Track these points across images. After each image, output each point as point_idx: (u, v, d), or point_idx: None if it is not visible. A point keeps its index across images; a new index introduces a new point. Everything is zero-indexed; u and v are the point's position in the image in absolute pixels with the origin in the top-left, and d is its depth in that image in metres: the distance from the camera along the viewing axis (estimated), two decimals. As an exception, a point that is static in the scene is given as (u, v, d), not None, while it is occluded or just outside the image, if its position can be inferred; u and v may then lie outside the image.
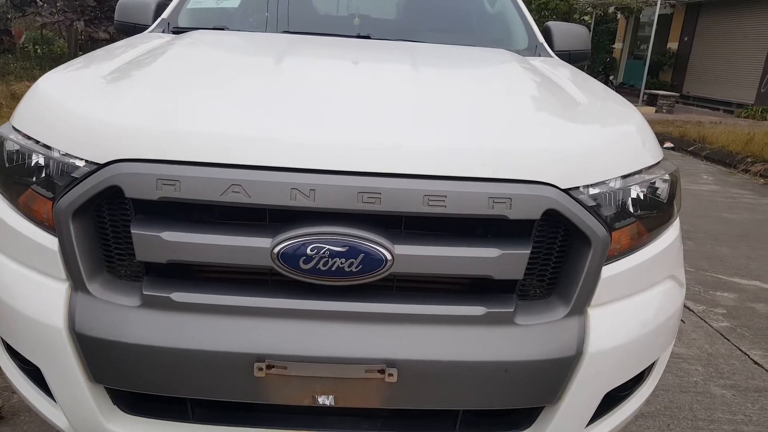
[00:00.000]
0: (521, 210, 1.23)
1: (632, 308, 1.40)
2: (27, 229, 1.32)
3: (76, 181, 1.22)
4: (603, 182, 1.35)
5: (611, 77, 20.00)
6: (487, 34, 2.68)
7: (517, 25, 2.65)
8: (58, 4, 10.05)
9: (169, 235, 1.20)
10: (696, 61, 18.16)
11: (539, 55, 2.46)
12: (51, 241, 1.27)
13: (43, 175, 1.28)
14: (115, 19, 2.60)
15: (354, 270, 1.20)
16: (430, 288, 1.32)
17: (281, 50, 1.72)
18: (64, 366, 1.26)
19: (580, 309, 1.31)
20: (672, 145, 9.95)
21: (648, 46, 16.07)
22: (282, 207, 1.19)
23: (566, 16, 19.15)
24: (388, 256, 1.20)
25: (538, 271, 1.33)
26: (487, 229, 1.30)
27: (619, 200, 1.37)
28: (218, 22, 2.39)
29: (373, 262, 1.20)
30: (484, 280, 1.27)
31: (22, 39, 10.82)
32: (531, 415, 1.37)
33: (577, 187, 1.30)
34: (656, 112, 14.64)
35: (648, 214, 1.44)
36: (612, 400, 1.49)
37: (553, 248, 1.32)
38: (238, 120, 1.25)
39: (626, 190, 1.39)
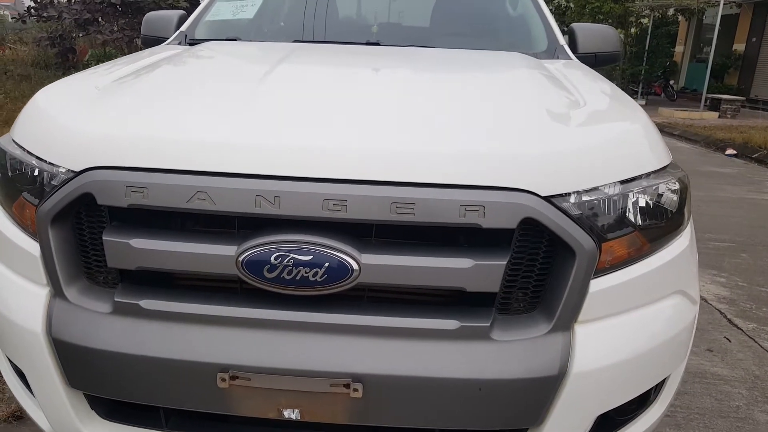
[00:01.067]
0: (495, 219, 1.16)
1: (628, 325, 1.30)
2: (16, 235, 1.35)
3: (55, 189, 1.25)
4: (595, 189, 1.26)
5: (671, 82, 19.17)
6: (505, 37, 2.60)
7: (537, 28, 2.56)
8: (119, 22, 10.58)
9: (138, 243, 1.20)
10: (766, 63, 17.17)
11: (558, 58, 2.36)
12: (34, 247, 1.30)
13: (31, 183, 1.32)
14: (142, 33, 2.69)
15: (319, 279, 1.16)
16: (405, 300, 1.27)
17: (275, 59, 1.72)
18: (43, 370, 1.28)
19: (564, 325, 1.22)
20: (734, 152, 9.42)
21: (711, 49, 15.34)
22: (246, 214, 1.17)
23: (622, 20, 18.52)
24: (355, 266, 1.16)
25: (519, 283, 1.25)
26: (462, 239, 1.24)
27: (614, 208, 1.28)
28: (233, 33, 2.42)
29: (338, 271, 1.16)
30: (461, 293, 1.21)
31: (87, 56, 11.45)
32: (514, 437, 1.29)
33: (563, 194, 1.22)
34: (719, 117, 13.93)
35: (650, 224, 1.34)
36: (611, 423, 1.38)
37: (536, 259, 1.24)
38: (203, 126, 1.24)
39: (624, 197, 1.29)
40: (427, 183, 1.17)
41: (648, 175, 1.36)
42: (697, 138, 10.91)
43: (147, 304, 1.22)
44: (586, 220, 1.23)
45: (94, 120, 1.29)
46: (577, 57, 2.54)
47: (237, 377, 1.18)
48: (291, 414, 1.21)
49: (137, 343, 1.21)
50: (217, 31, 2.49)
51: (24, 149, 1.36)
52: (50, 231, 1.25)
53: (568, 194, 1.23)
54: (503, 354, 1.19)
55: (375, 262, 1.17)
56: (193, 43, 2.36)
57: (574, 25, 2.70)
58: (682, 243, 1.43)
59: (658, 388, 1.45)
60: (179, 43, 2.40)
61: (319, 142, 1.20)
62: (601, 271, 1.26)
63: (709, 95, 15.16)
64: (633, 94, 19.15)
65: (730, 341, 3.08)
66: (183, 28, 2.50)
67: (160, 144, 1.21)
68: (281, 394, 1.19)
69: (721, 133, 10.88)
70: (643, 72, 18.79)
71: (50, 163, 1.29)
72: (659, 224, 1.36)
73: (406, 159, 1.18)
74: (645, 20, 20.06)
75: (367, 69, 1.73)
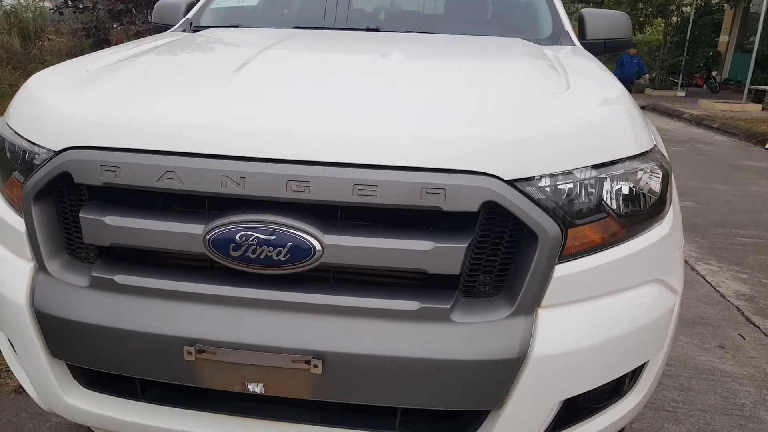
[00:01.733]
0: (456, 202, 1.17)
1: (596, 311, 1.29)
2: (7, 213, 1.42)
3: (38, 168, 1.31)
4: (565, 173, 1.25)
5: (714, 73, 18.53)
6: (509, 23, 2.58)
7: (543, 14, 2.53)
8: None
9: (112, 220, 1.25)
10: (815, 54, 16.42)
11: (561, 44, 2.33)
12: (21, 224, 1.36)
13: (20, 163, 1.38)
14: (152, 21, 2.75)
15: (282, 259, 1.19)
16: (371, 281, 1.28)
17: (264, 45, 1.75)
18: (28, 341, 1.35)
19: (527, 309, 1.22)
20: (774, 145, 9.09)
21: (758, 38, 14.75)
22: (213, 194, 1.21)
23: (662, 8, 17.96)
24: (317, 246, 1.18)
25: (484, 266, 1.25)
26: (426, 221, 1.25)
27: (586, 193, 1.27)
28: (236, 20, 2.46)
29: (300, 251, 1.19)
30: (426, 275, 1.23)
31: (123, 46, 11.73)
32: (476, 419, 1.29)
33: (528, 178, 1.22)
34: (763, 109, 13.41)
35: (625, 210, 1.32)
36: (582, 410, 1.38)
37: (501, 243, 1.24)
38: (172, 108, 1.28)
39: (598, 182, 1.28)
40: (389, 165, 1.18)
41: (626, 160, 1.34)
42: (736, 131, 10.56)
43: (121, 279, 1.27)
44: (552, 204, 1.22)
45: (74, 102, 1.35)
46: (586, 43, 2.50)
47: (203, 351, 1.22)
48: (255, 388, 1.24)
49: (111, 316, 1.26)
50: (222, 18, 2.53)
51: (14, 131, 1.43)
52: (33, 208, 1.31)
53: (534, 178, 1.22)
54: (462, 336, 1.20)
55: (338, 243, 1.19)
56: (197, 29, 2.41)
57: (584, 11, 2.66)
58: (661, 230, 1.41)
59: (634, 377, 1.44)
60: (183, 30, 2.45)
61: (283, 124, 1.22)
62: (568, 256, 1.25)
63: (753, 87, 14.61)
64: (672, 85, 18.62)
65: (744, 338, 2.99)
66: (189, 15, 2.55)
67: (131, 125, 1.25)
68: (246, 368, 1.23)
69: (763, 126, 10.50)
70: (683, 62, 18.22)
71: (35, 144, 1.35)
72: (636, 210, 1.34)
73: (367, 141, 1.19)
74: (687, 8, 19.42)
75: (350, 54, 1.74)
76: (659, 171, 1.38)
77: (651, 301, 1.38)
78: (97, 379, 1.40)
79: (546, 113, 1.32)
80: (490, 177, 1.18)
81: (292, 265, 1.20)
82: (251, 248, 1.19)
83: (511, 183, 1.20)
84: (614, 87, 1.56)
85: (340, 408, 1.33)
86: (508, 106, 1.33)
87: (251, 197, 1.20)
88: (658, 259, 1.40)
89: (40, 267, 1.34)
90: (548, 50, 2.07)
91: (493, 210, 1.21)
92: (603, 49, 2.63)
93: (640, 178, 1.35)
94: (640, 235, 1.36)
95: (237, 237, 1.19)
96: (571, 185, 1.26)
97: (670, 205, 1.45)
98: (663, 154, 1.47)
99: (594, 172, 1.28)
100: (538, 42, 2.26)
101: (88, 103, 1.33)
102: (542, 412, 1.27)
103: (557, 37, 2.39)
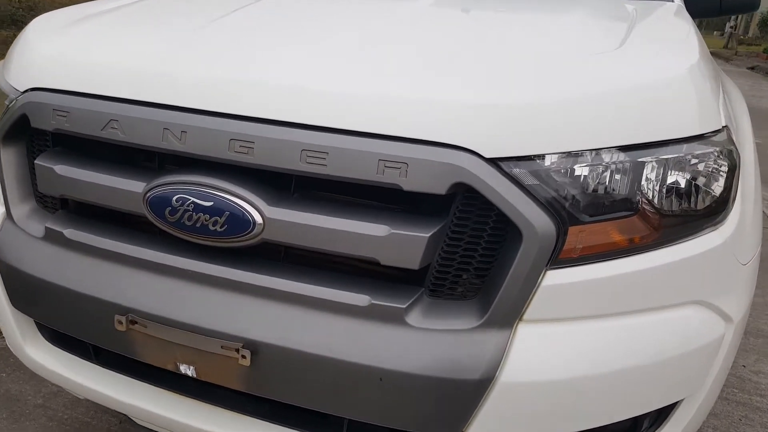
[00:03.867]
0: (420, 180, 0.94)
1: (603, 334, 1.01)
2: None
3: (6, 109, 1.25)
4: (576, 153, 0.97)
5: None
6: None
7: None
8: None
9: (62, 170, 1.17)
10: None
11: None
12: None
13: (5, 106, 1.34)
14: None
15: (219, 229, 1.04)
16: (324, 268, 1.09)
17: None
18: (-6, 287, 1.32)
19: (501, 321, 0.97)
20: None
21: None
22: (153, 148, 1.08)
23: None
24: (258, 219, 1.02)
25: (458, 263, 1.01)
26: (387, 201, 1.03)
27: (605, 180, 0.99)
28: None
29: (239, 222, 1.02)
30: (381, 267, 1.02)
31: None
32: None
33: (520, 158, 0.95)
34: None
35: (662, 207, 1.02)
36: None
37: (481, 236, 0.99)
38: (121, 51, 1.16)
39: (628, 167, 0.99)
40: (341, 129, 0.97)
41: (675, 142, 1.02)
42: None
43: (70, 234, 1.19)
44: (550, 192, 0.95)
45: (44, 43, 1.27)
46: (695, 1, 2.08)
47: (135, 322, 1.10)
48: (187, 370, 1.12)
49: (55, 272, 1.19)
50: None
51: (2, 73, 1.39)
52: (2, 151, 1.26)
53: (528, 158, 0.96)
54: (416, 344, 0.98)
55: (281, 218, 1.01)
56: None
57: None
58: (715, 238, 1.07)
59: (660, 417, 1.14)
60: None
61: (227, 71, 1.05)
62: (568, 260, 0.98)
63: None
64: None
65: None
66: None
67: (82, 67, 1.16)
68: (177, 347, 1.10)
69: None
70: None
71: (10, 84, 1.29)
72: (680, 209, 1.03)
73: (319, 98, 0.99)
74: None
75: (363, 2, 1.51)
76: (723, 161, 1.05)
77: (688, 329, 1.07)
78: (59, 334, 1.35)
79: (566, 75, 1.03)
80: (465, 152, 0.94)
81: (229, 237, 1.04)
82: (187, 214, 1.05)
83: (494, 162, 0.94)
84: (686, 50, 1.20)
85: (288, 406, 1.17)
86: (517, 66, 1.05)
87: (192, 155, 1.05)
88: (705, 276, 1.08)
89: (8, 213, 1.29)
90: (631, 5, 1.71)
91: (472, 194, 0.96)
92: (718, 9, 2.19)
93: (694, 167, 1.03)
94: (681, 241, 1.04)
95: (174, 200, 1.05)
96: (583, 169, 0.98)
97: (733, 207, 1.11)
98: (734, 141, 1.12)
99: (621, 156, 0.99)
100: None
101: (54, 45, 1.25)
102: (511, 449, 1.02)
103: None
